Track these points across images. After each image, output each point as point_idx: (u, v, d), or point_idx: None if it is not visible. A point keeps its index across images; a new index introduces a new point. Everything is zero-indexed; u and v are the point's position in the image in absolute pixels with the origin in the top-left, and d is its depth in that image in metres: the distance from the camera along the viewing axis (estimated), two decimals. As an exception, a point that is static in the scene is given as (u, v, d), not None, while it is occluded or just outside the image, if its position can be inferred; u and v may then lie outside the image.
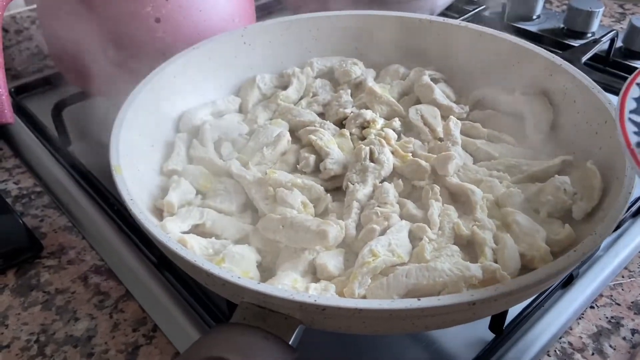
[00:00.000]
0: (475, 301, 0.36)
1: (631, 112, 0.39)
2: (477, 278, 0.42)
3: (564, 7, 1.14)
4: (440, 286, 0.42)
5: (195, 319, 0.52)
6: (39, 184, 0.70)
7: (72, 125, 0.74)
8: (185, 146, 0.59)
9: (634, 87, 0.41)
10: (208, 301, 0.53)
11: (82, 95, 0.74)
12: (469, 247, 0.48)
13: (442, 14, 0.98)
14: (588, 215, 0.48)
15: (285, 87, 0.68)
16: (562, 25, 0.98)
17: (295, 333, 0.37)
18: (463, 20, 0.84)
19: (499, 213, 0.51)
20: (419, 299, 0.36)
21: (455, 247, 0.47)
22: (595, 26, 0.96)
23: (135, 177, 0.50)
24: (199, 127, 0.61)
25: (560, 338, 0.51)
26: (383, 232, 0.48)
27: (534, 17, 1.02)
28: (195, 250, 0.45)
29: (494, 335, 0.50)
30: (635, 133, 0.37)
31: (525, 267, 0.46)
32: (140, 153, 0.54)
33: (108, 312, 0.54)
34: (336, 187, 0.56)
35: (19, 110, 0.81)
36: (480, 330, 0.50)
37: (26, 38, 0.93)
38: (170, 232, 0.46)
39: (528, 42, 0.63)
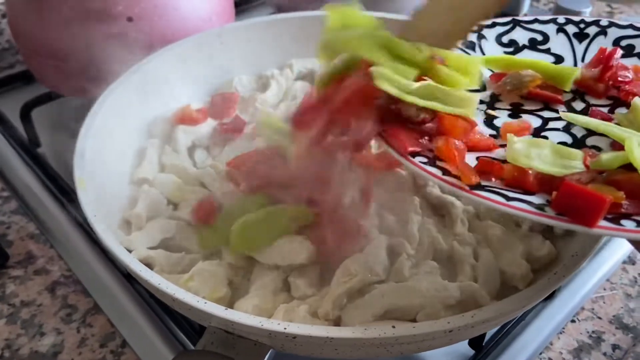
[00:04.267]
0: (452, 329, 0.35)
1: None
2: (455, 298, 0.41)
3: (551, 5, 1.13)
4: (418, 307, 0.40)
5: (166, 334, 0.50)
6: (6, 188, 0.67)
7: (42, 126, 0.71)
8: (157, 153, 0.56)
9: None
10: (180, 316, 0.51)
11: (52, 95, 0.71)
12: (449, 262, 0.47)
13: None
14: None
15: (263, 89, 0.66)
16: (548, 25, 0.97)
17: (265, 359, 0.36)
18: (448, 20, 0.82)
19: (479, 226, 0.49)
20: (393, 327, 0.34)
21: (434, 263, 0.45)
22: (581, 26, 0.95)
23: (102, 188, 0.48)
24: (171, 132, 0.58)
25: (540, 354, 0.50)
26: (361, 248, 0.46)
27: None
28: (163, 268, 0.43)
29: (473, 351, 0.49)
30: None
31: (504, 283, 0.45)
32: (108, 161, 0.52)
33: (75, 326, 0.52)
34: (314, 197, 0.54)
35: (-14, 109, 0.78)
36: (460, 345, 0.49)
37: (-4, 32, 0.89)
38: (137, 249, 0.44)
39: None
